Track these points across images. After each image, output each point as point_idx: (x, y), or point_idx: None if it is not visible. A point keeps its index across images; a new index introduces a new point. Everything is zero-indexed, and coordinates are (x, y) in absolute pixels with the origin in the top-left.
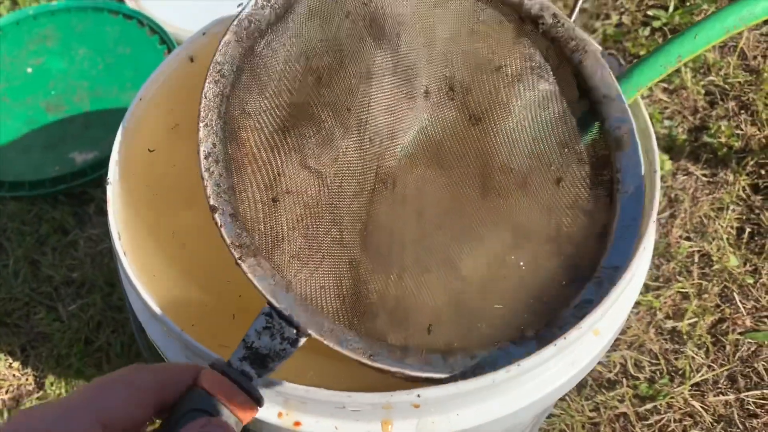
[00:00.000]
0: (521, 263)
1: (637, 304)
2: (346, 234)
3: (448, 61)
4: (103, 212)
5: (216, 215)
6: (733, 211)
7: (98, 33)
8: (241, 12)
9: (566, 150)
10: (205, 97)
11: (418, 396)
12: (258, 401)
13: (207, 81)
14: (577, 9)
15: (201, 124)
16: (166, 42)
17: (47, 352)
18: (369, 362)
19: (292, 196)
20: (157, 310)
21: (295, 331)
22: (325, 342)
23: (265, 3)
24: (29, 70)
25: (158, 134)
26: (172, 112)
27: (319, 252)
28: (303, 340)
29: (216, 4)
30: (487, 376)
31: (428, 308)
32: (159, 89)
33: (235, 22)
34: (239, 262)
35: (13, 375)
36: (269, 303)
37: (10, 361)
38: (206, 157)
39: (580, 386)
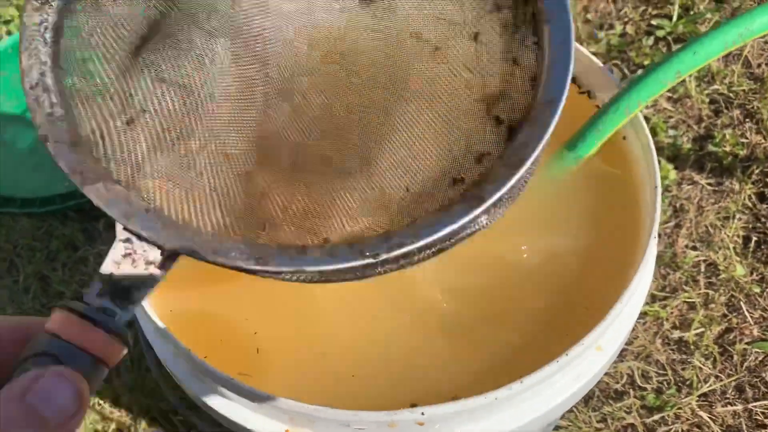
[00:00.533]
0: (441, 132)
1: (644, 314)
2: (231, 146)
3: None
4: (112, 228)
5: (49, 144)
6: (739, 220)
7: None
8: None
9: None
10: (25, 27)
11: (423, 414)
12: (123, 339)
13: (24, 8)
14: None
15: (23, 53)
16: None
17: None
18: (258, 267)
19: (150, 115)
20: (164, 328)
21: (159, 251)
22: (200, 255)
23: None
24: None
25: None
26: None
27: (194, 169)
28: (172, 263)
29: None
30: (489, 394)
31: (338, 207)
32: None
33: None
34: (82, 189)
35: None
36: (125, 227)
37: None
38: (33, 87)
39: (587, 397)
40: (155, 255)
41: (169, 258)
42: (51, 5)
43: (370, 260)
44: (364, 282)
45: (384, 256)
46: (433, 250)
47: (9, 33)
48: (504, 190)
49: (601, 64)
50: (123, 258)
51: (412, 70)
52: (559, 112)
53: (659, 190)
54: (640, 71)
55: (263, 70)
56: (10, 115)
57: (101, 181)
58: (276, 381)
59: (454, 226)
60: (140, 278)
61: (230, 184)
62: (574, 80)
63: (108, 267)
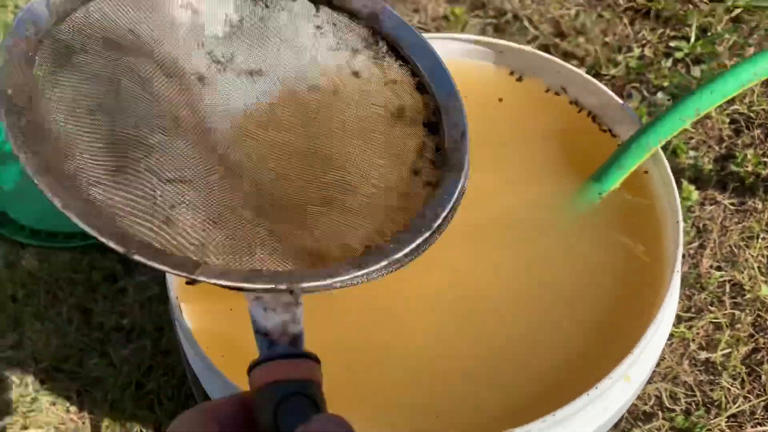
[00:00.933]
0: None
1: (671, 335)
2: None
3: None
4: None
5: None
6: (763, 239)
7: None
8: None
9: (342, 51)
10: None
11: None
12: (314, 357)
13: None
14: None
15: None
16: None
17: (101, 397)
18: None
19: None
20: (214, 367)
21: (290, 294)
22: (319, 284)
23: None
24: None
25: None
26: None
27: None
28: (300, 295)
29: None
30: (523, 427)
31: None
32: None
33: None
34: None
35: (71, 419)
36: (249, 289)
37: (68, 405)
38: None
39: (616, 421)
40: (287, 297)
41: (296, 294)
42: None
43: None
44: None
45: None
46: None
47: None
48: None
49: (620, 101)
50: (264, 312)
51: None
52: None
53: (681, 225)
54: (659, 93)
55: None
56: None
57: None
58: None
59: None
60: (289, 318)
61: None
62: (594, 118)
63: (259, 323)
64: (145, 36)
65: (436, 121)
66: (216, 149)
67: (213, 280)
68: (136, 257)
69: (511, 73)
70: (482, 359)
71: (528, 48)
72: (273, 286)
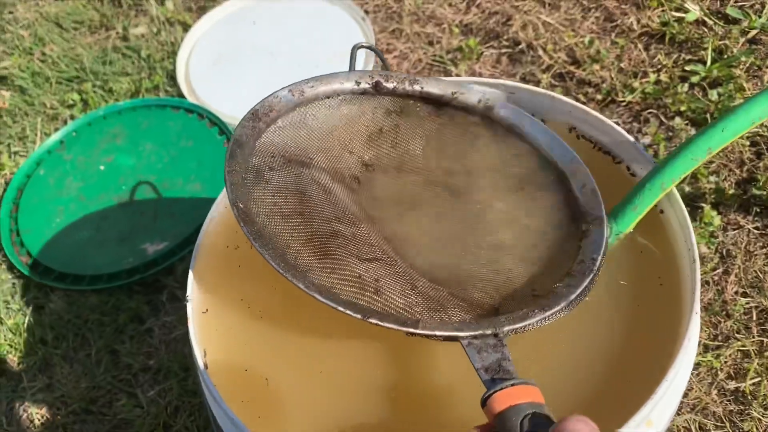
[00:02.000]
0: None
1: (698, 365)
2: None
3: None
4: (175, 299)
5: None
6: None
7: (162, 128)
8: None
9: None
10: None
11: None
12: (534, 383)
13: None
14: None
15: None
16: (225, 132)
17: None
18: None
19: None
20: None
21: (493, 336)
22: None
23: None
24: (102, 167)
25: (228, 253)
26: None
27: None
28: (504, 337)
29: (268, 91)
30: None
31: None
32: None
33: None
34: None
35: None
36: (460, 337)
37: None
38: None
39: None
40: (493, 340)
41: (501, 337)
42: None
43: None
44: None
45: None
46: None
47: (72, 117)
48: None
49: (632, 139)
50: (479, 354)
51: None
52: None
53: (698, 265)
54: (677, 119)
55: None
56: (75, 195)
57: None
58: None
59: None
60: (500, 356)
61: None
62: (608, 153)
63: (478, 364)
64: (314, 152)
65: (566, 184)
66: (391, 232)
67: (432, 332)
68: (371, 321)
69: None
70: None
71: (539, 89)
72: (481, 332)
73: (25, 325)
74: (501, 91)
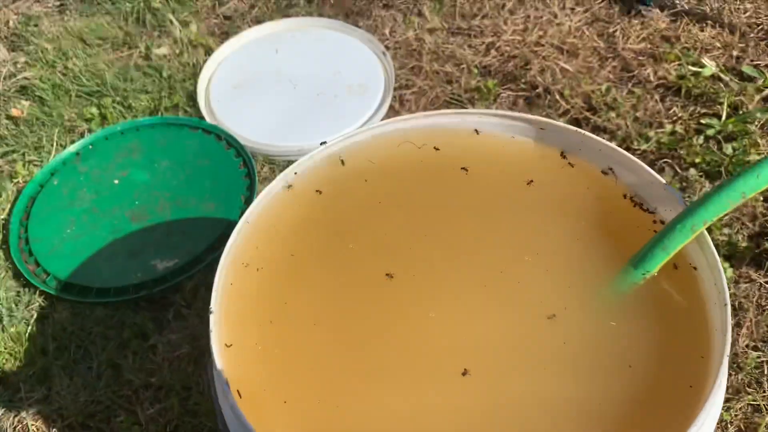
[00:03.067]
0: None
1: None
2: None
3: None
4: (181, 317)
5: None
6: None
7: (179, 146)
8: None
9: None
10: None
11: None
12: None
13: None
14: None
15: None
16: (241, 155)
17: None
18: None
19: None
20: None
21: None
22: None
23: None
24: (116, 181)
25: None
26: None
27: None
28: None
29: (285, 120)
30: None
31: None
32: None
33: None
34: None
35: None
36: None
37: None
38: None
39: None
40: None
41: None
42: None
43: None
44: None
45: None
46: None
47: (90, 130)
48: None
49: (663, 181)
50: None
51: None
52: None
53: (729, 308)
54: (691, 170)
55: None
56: (87, 207)
57: None
58: None
59: None
60: None
61: None
62: (633, 198)
63: None
64: None
65: None
66: None
67: None
68: None
69: (555, 152)
70: None
71: (570, 126)
72: None
73: (27, 334)
74: (529, 125)
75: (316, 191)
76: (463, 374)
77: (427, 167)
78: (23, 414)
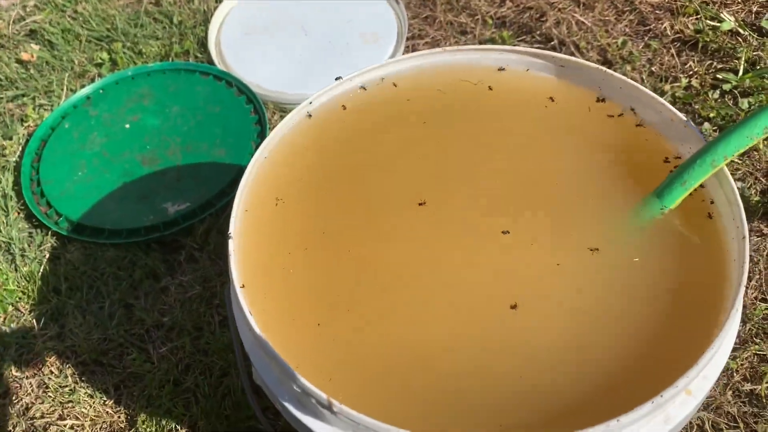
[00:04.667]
0: None
1: None
2: None
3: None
4: (193, 259)
5: None
6: None
7: (190, 92)
8: None
9: None
10: None
11: None
12: None
13: None
14: None
15: None
16: (252, 101)
17: (139, 392)
18: None
19: None
20: (272, 349)
21: None
22: None
23: None
24: (127, 126)
25: (277, 189)
26: (291, 166)
27: None
28: None
29: (296, 67)
30: (588, 430)
31: None
32: (278, 146)
33: None
34: None
35: (107, 412)
36: None
37: (105, 399)
38: None
39: None
40: None
41: None
42: None
43: None
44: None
45: None
46: None
47: (100, 75)
48: None
49: (684, 117)
50: None
51: None
52: None
53: (747, 240)
54: (706, 124)
55: None
56: (98, 151)
57: None
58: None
59: None
60: None
61: None
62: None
63: None
64: None
65: None
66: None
67: None
68: None
69: (574, 87)
70: (537, 360)
71: (591, 63)
72: None
73: (40, 273)
74: (550, 63)
75: (342, 107)
76: (513, 307)
77: (456, 92)
78: (37, 350)
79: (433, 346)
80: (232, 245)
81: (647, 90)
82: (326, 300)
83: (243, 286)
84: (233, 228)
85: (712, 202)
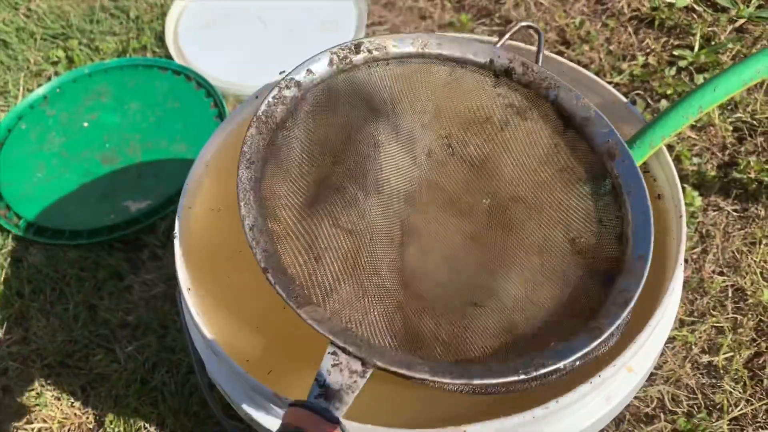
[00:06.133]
0: (553, 277)
1: (672, 339)
2: (387, 279)
3: (443, 124)
4: (156, 257)
5: (268, 275)
6: (766, 245)
7: (149, 88)
8: (259, 108)
9: (566, 174)
10: (241, 181)
11: (465, 431)
12: (342, 427)
13: (239, 168)
14: (540, 55)
15: (241, 203)
16: (212, 95)
17: (106, 392)
18: (434, 378)
19: (331, 253)
20: (220, 350)
21: (361, 363)
22: (392, 369)
23: (277, 101)
24: (85, 124)
25: (217, 195)
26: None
27: (366, 297)
28: (371, 371)
29: (255, 59)
30: (527, 413)
31: (478, 332)
32: (217, 151)
33: (254, 118)
34: (298, 310)
35: (75, 414)
36: (333, 342)
37: (72, 401)
38: (251, 229)
39: (618, 421)
40: (357, 365)
41: (368, 368)
42: (256, 165)
43: (522, 377)
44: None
45: (533, 373)
46: (560, 374)
47: (56, 74)
48: (618, 322)
49: (624, 99)
50: (332, 367)
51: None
52: (648, 265)
53: (684, 219)
54: (663, 101)
55: (398, 221)
56: (57, 151)
57: (309, 305)
58: None
59: (586, 350)
60: (347, 384)
61: (392, 312)
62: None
63: (322, 374)
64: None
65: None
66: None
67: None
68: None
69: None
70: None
71: (533, 48)
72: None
73: (2, 277)
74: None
75: None
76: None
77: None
78: (1, 355)
79: None
80: (179, 247)
81: (590, 74)
82: (264, 300)
83: (189, 289)
84: (178, 228)
85: (654, 180)
